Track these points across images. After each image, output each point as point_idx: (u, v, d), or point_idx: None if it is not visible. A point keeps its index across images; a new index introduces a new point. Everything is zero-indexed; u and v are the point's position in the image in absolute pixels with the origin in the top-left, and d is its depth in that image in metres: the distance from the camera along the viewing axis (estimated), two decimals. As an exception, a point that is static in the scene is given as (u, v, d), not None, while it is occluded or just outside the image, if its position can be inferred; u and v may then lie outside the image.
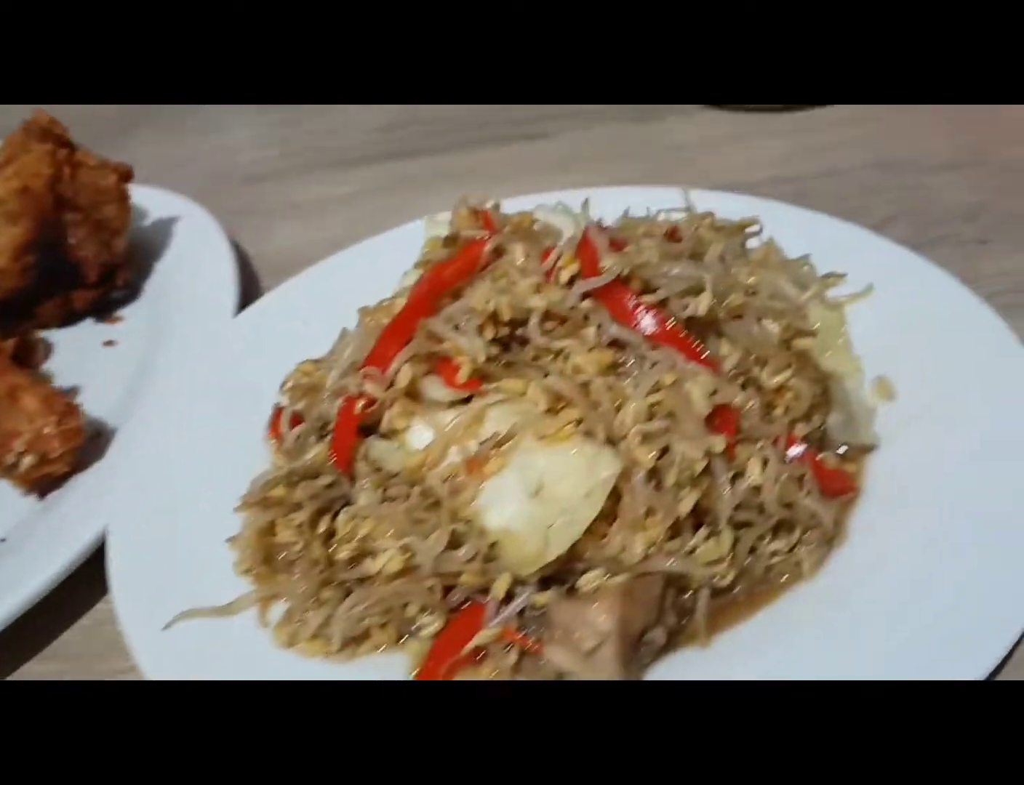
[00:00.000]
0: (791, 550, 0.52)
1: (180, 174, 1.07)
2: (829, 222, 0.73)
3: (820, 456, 0.55)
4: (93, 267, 0.81)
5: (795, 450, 0.54)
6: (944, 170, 0.87)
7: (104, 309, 0.84)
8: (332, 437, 0.56)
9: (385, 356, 0.56)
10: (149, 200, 0.91)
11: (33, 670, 0.58)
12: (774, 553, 0.52)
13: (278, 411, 0.65)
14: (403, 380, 0.54)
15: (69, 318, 0.83)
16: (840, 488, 0.54)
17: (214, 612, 0.53)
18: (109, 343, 0.81)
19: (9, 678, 0.58)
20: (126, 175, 0.83)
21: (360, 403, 0.55)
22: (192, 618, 0.53)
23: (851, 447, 0.57)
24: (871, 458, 0.57)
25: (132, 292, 0.86)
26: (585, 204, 0.68)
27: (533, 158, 1.01)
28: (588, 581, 0.50)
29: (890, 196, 0.84)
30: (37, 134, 0.80)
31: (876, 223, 0.78)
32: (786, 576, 0.51)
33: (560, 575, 0.51)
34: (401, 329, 0.56)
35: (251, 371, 0.69)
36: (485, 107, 1.10)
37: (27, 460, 0.64)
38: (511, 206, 0.66)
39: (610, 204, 0.71)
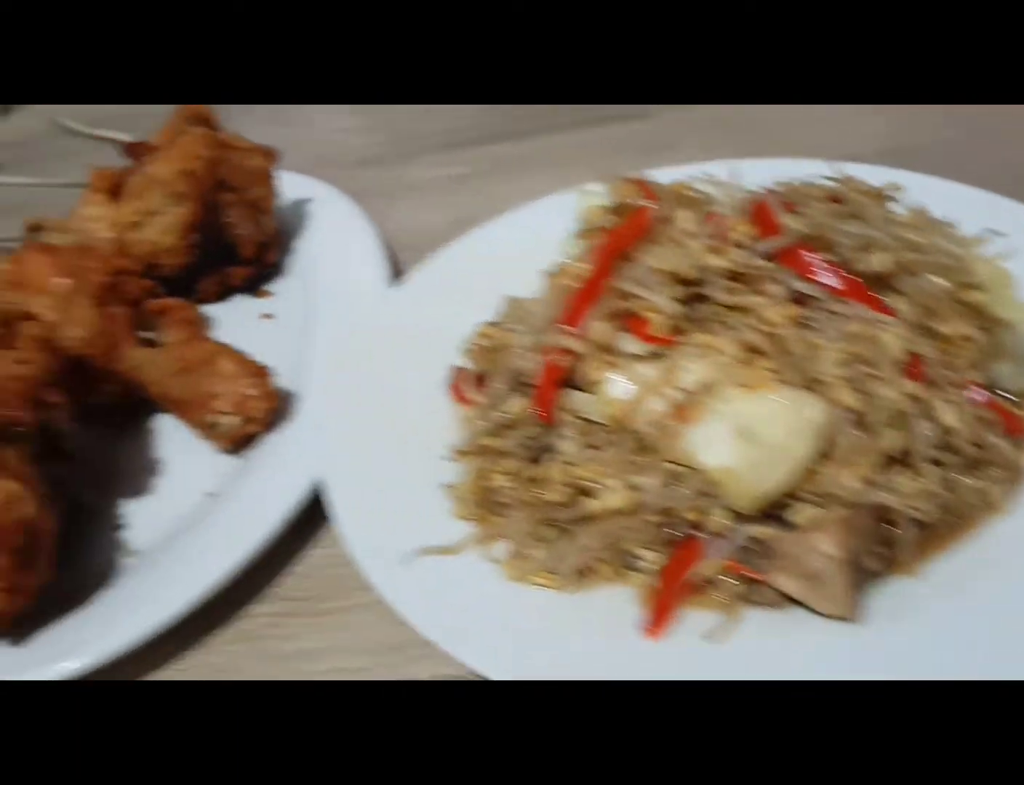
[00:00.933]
0: (983, 487, 0.56)
1: (291, 160, 1.11)
2: (959, 188, 0.76)
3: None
4: (248, 245, 0.85)
5: (976, 395, 0.57)
6: None
7: (255, 285, 0.88)
8: (534, 390, 0.60)
9: (579, 314, 0.60)
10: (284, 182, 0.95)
11: (260, 610, 0.62)
12: (969, 489, 0.55)
13: (459, 371, 0.69)
14: (599, 335, 0.59)
15: (224, 293, 0.87)
16: (1019, 429, 0.58)
17: (444, 550, 0.57)
18: (267, 316, 0.85)
19: (231, 625, 0.62)
20: (271, 157, 0.88)
21: (562, 357, 0.59)
22: (426, 556, 0.57)
23: (1018, 394, 0.61)
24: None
25: (278, 268, 0.90)
26: (734, 174, 0.71)
27: (634, 138, 1.04)
28: (803, 515, 0.54)
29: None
30: (191, 119, 0.84)
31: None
32: (981, 510, 0.55)
33: (775, 511, 0.55)
34: (591, 289, 0.60)
35: (418, 337, 0.73)
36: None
37: (228, 420, 0.68)
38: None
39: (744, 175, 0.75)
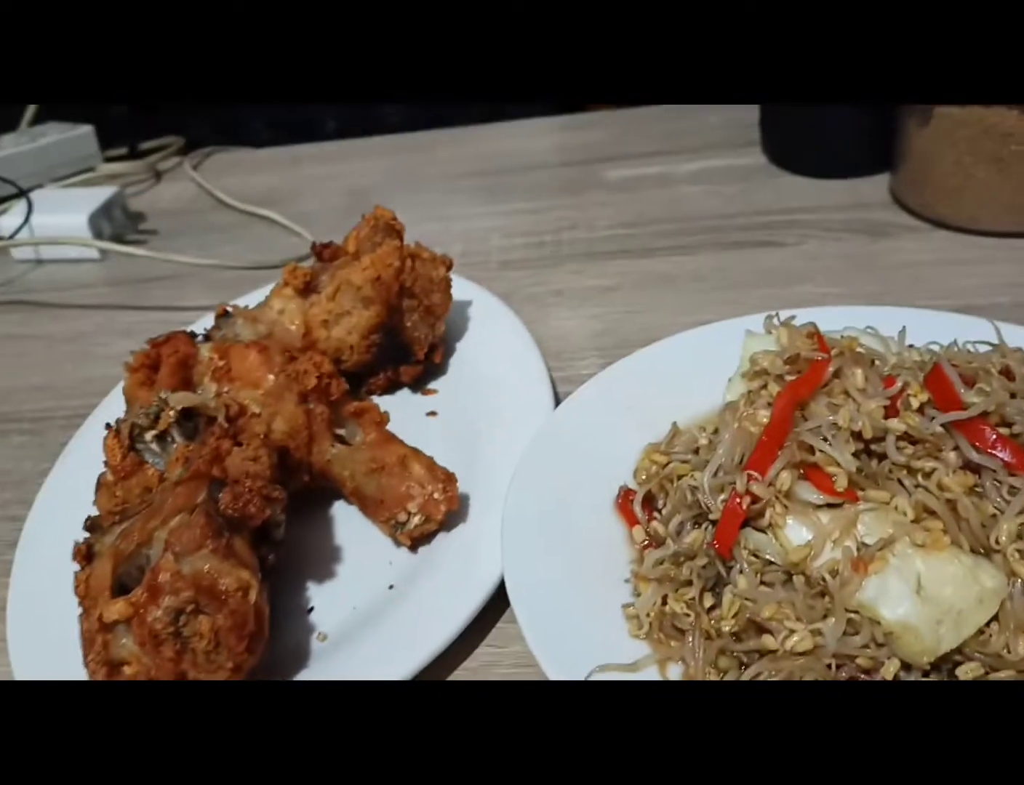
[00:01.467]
0: None
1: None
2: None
3: None
4: (422, 346, 0.92)
5: None
6: None
7: (420, 383, 0.95)
8: (714, 526, 0.65)
9: (765, 461, 0.65)
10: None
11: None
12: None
13: (626, 492, 0.74)
14: (784, 484, 0.63)
15: (391, 389, 0.94)
16: None
17: (623, 668, 0.62)
18: (432, 413, 0.92)
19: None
20: (450, 266, 0.94)
21: (746, 500, 0.64)
22: (606, 671, 0.61)
23: None
24: None
25: (443, 368, 0.97)
26: (902, 332, 0.77)
27: (772, 265, 1.10)
28: (967, 671, 0.58)
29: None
30: (383, 228, 0.92)
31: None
32: None
33: (940, 664, 0.59)
34: (775, 438, 0.65)
35: (587, 454, 0.78)
36: (714, 213, 1.21)
37: (416, 520, 0.74)
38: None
39: (887, 321, 0.80)
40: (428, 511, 0.74)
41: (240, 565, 0.62)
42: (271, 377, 0.77)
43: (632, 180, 1.33)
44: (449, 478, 0.76)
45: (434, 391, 0.95)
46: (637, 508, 0.72)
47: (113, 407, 0.90)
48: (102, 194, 1.34)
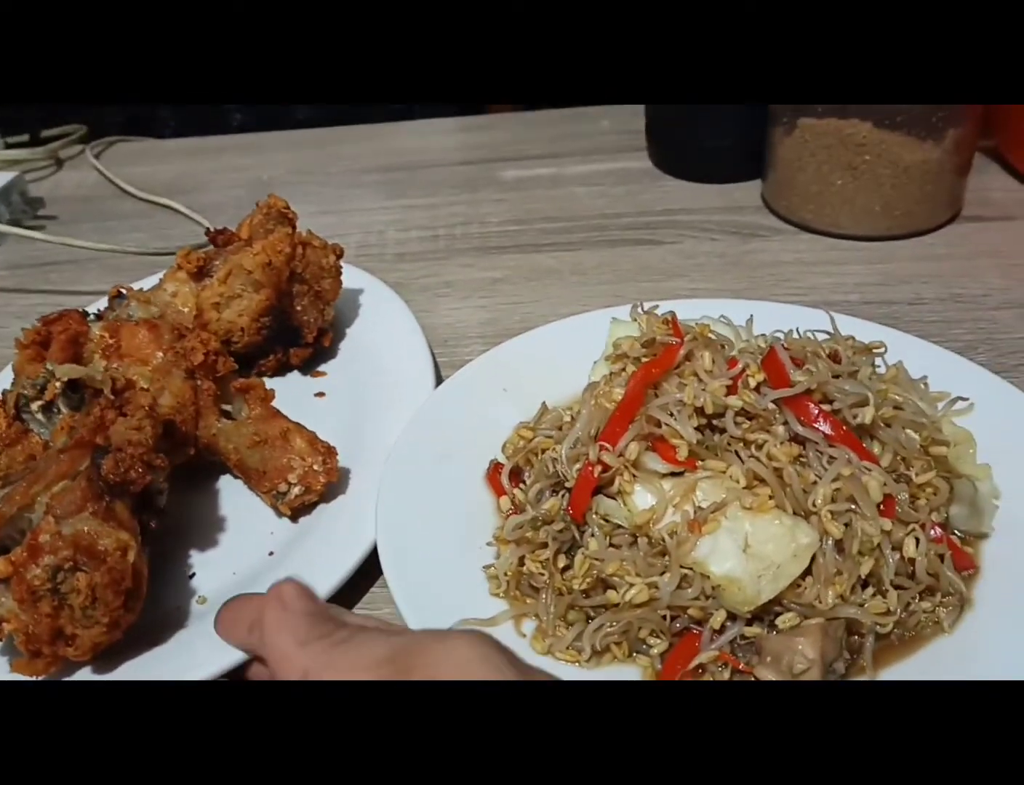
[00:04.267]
0: (934, 610, 0.67)
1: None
2: (928, 347, 0.89)
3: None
4: (311, 330, 0.96)
5: (933, 533, 0.69)
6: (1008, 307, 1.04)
7: (310, 365, 1.00)
8: (569, 493, 0.71)
9: (616, 433, 0.71)
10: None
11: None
12: (922, 611, 0.67)
13: (496, 465, 0.80)
14: (632, 454, 0.70)
15: (281, 370, 0.99)
16: (966, 564, 0.70)
17: (482, 622, 0.68)
18: (320, 394, 0.96)
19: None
20: (340, 254, 0.99)
21: (597, 469, 0.70)
22: (464, 625, 0.67)
23: (968, 534, 0.73)
24: (984, 544, 0.72)
25: (331, 352, 1.01)
26: (750, 320, 0.84)
27: (650, 261, 1.17)
28: (786, 620, 0.65)
29: (968, 326, 1.02)
30: (275, 216, 0.96)
31: (960, 348, 0.94)
32: (929, 629, 0.67)
33: (762, 614, 0.66)
34: (626, 413, 0.72)
35: (461, 431, 0.84)
36: (600, 213, 1.28)
37: (295, 490, 0.78)
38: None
39: (743, 313, 0.87)
40: (308, 482, 0.78)
41: (120, 527, 0.66)
42: (160, 354, 0.80)
43: (526, 180, 1.39)
44: (329, 451, 0.80)
45: (323, 373, 0.99)
46: (504, 480, 0.78)
47: (5, 384, 0.92)
48: (0, 179, 1.35)
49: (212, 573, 0.77)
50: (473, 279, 1.17)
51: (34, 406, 0.74)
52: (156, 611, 0.73)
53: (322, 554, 0.75)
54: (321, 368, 1.00)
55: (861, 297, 1.06)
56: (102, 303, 0.98)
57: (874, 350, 0.82)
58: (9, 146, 1.54)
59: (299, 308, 0.96)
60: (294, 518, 0.81)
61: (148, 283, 1.01)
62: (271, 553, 0.78)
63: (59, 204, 1.43)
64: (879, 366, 0.80)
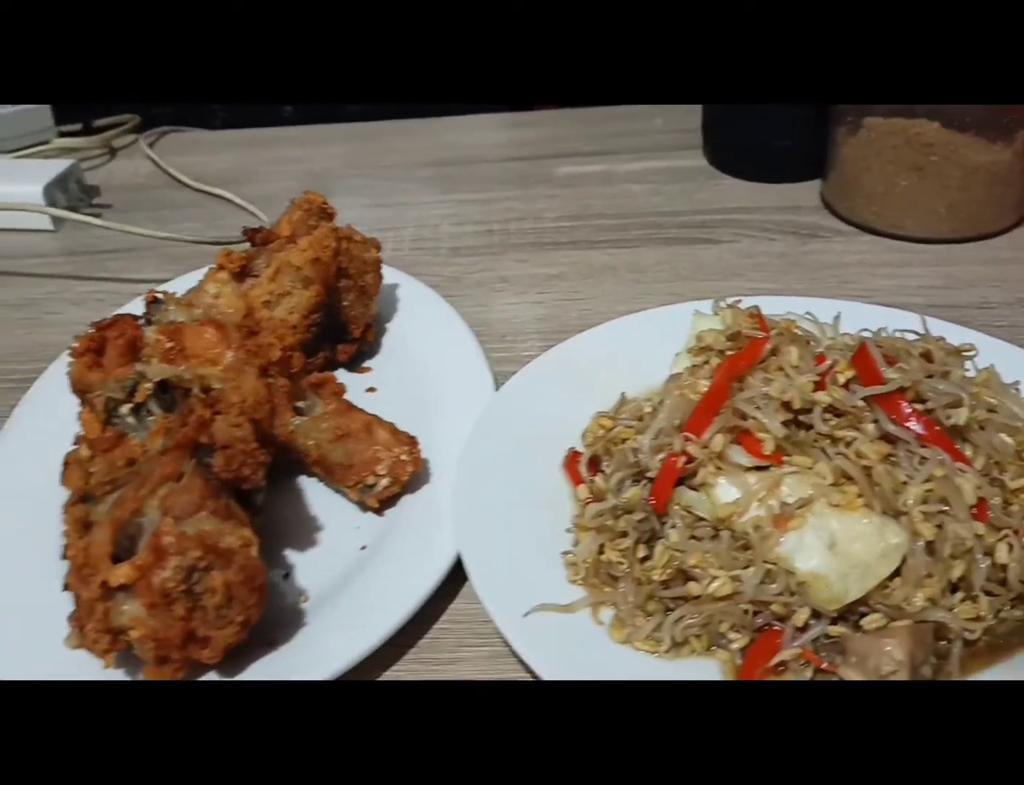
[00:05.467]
0: (1024, 618, 0.66)
1: (390, 240, 1.23)
2: (1016, 351, 0.87)
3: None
4: (358, 325, 0.97)
5: (1027, 540, 0.68)
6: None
7: (356, 362, 1.00)
8: (651, 483, 0.71)
9: (701, 424, 0.70)
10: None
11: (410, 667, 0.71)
12: (1014, 618, 0.66)
13: (574, 453, 0.80)
14: (717, 446, 0.69)
15: (328, 367, 0.98)
16: (1058, 574, 0.68)
17: (560, 608, 0.68)
18: (371, 390, 0.96)
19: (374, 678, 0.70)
20: (379, 248, 1.01)
21: (682, 459, 0.69)
22: (544, 612, 0.67)
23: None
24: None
25: (375, 348, 1.02)
26: (837, 318, 0.83)
27: (707, 260, 1.16)
28: (872, 621, 0.64)
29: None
30: (316, 212, 0.96)
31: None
32: (1017, 638, 0.65)
33: (846, 614, 0.65)
34: (712, 404, 0.71)
35: (530, 424, 0.83)
36: (655, 210, 1.27)
37: (384, 482, 0.78)
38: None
39: (828, 311, 0.86)
40: (395, 473, 0.78)
41: (241, 524, 0.65)
42: (229, 353, 0.79)
43: (578, 176, 1.38)
44: (412, 441, 0.80)
45: (368, 369, 0.99)
46: (583, 468, 0.77)
47: (61, 372, 0.89)
48: (58, 166, 1.35)
49: (307, 572, 0.76)
50: (529, 275, 1.17)
51: (124, 409, 0.73)
52: (265, 612, 0.70)
53: (415, 545, 0.75)
54: (367, 364, 1.00)
55: (925, 300, 1.05)
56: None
57: (964, 352, 0.80)
58: (63, 134, 1.54)
59: (346, 303, 0.96)
60: (379, 511, 0.80)
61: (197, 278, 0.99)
62: (363, 547, 0.77)
63: (113, 193, 1.44)
64: (968, 369, 0.79)
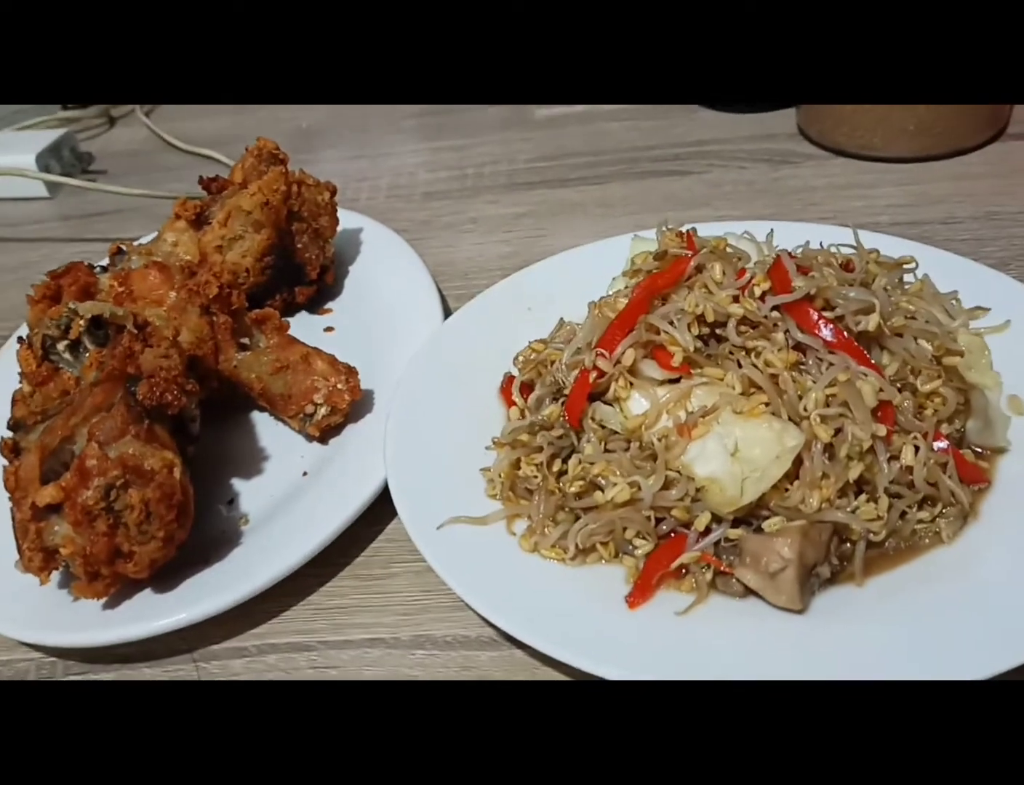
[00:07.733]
0: (933, 520, 0.66)
1: (366, 188, 1.26)
2: (962, 262, 0.85)
3: (960, 451, 0.69)
4: (313, 267, 0.99)
5: (940, 444, 0.68)
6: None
7: (315, 303, 1.02)
8: (567, 399, 0.72)
9: (613, 340, 0.71)
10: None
11: (312, 571, 0.74)
12: (920, 520, 0.65)
13: (509, 379, 0.81)
14: (628, 360, 0.70)
15: (289, 309, 1.01)
16: (976, 478, 0.67)
17: (474, 521, 0.69)
18: (329, 329, 0.99)
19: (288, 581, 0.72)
20: (334, 191, 1.02)
21: (593, 375, 0.70)
22: (457, 523, 0.69)
23: (985, 449, 0.70)
24: (1002, 459, 0.70)
25: (335, 289, 1.04)
26: (770, 234, 0.83)
27: (676, 192, 1.16)
28: (771, 523, 0.64)
29: (1001, 244, 0.98)
30: (267, 158, 0.98)
31: (993, 265, 0.90)
32: (928, 540, 0.65)
33: (748, 517, 0.66)
34: (626, 321, 0.72)
35: (474, 352, 0.85)
36: (631, 146, 1.27)
37: (322, 411, 0.81)
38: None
39: (780, 234, 0.85)
40: (333, 401, 0.81)
41: (163, 448, 0.68)
42: (172, 293, 0.83)
43: (558, 118, 1.38)
44: (351, 370, 0.82)
45: (329, 310, 1.02)
46: (515, 392, 0.79)
47: None
48: (51, 135, 1.40)
49: (251, 497, 0.80)
50: (498, 215, 1.18)
51: (60, 346, 0.77)
52: (203, 535, 0.75)
53: (352, 471, 0.78)
54: (327, 306, 1.02)
55: (890, 218, 1.03)
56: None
57: (904, 265, 0.79)
58: (65, 106, 1.59)
59: (300, 246, 0.98)
60: (323, 440, 0.83)
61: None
62: (305, 473, 0.80)
63: (109, 159, 1.49)
64: (910, 282, 0.78)
